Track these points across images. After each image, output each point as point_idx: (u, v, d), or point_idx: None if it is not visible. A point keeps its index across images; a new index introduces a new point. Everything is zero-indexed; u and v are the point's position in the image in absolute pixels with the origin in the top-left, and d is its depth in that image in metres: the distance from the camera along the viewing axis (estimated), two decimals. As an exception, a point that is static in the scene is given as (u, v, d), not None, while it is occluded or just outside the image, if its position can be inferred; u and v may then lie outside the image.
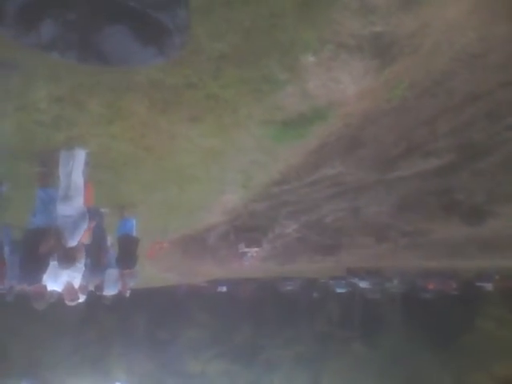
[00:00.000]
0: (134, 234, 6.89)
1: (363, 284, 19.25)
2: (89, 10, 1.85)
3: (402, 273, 19.47)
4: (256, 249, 12.49)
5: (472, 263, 15.87)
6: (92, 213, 5.52)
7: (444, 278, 18.97)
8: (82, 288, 5.94)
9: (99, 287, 7.09)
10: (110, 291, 7.11)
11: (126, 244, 6.73)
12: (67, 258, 4.63)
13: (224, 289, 22.74)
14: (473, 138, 7.12)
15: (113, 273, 6.87)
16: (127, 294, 7.39)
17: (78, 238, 4.71)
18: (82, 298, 6.18)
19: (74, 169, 4.85)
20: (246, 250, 12.44)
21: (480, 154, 7.56)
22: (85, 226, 4.80)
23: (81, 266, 4.91)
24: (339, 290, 21.29)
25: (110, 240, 7.07)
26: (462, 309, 20.48)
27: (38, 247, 4.76)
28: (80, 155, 4.90)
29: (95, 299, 7.10)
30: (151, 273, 13.72)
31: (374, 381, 21.69)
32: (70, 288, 4.94)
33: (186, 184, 6.53)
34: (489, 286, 19.43)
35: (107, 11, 1.84)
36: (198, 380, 27.32)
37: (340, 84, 3.92)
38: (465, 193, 8.89)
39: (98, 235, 6.51)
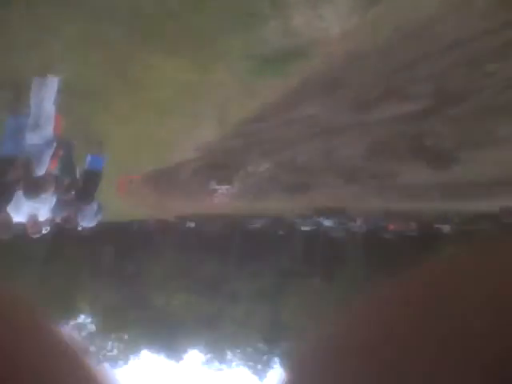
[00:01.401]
0: (101, 170, 6.76)
1: (328, 223, 19.81)
2: None
3: (365, 213, 20.10)
4: (227, 186, 12.56)
5: (433, 206, 16.52)
6: (61, 143, 5.39)
7: (405, 220, 19.74)
8: (48, 220, 5.88)
9: (69, 220, 7.04)
10: (87, 223, 7.09)
11: (88, 178, 6.61)
12: (33, 188, 4.52)
13: (192, 225, 23.00)
14: (450, 84, 7.18)
15: (92, 206, 6.82)
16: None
17: (44, 167, 4.58)
18: (45, 230, 6.12)
19: (46, 96, 4.66)
20: (217, 187, 12.48)
21: (455, 100, 7.66)
22: (50, 153, 4.66)
23: (46, 197, 4.79)
24: (304, 228, 21.89)
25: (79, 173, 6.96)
26: (419, 248, 21.46)
27: (5, 175, 4.64)
28: (53, 82, 4.70)
29: (63, 232, 7.08)
30: (121, 207, 13.69)
31: (330, 315, 22.78)
32: (34, 220, 4.84)
33: (161, 118, 6.41)
34: (446, 228, 20.29)
35: None
36: (161, 312, 28.11)
37: (324, 22, 3.83)
38: (435, 138, 9.09)
39: (68, 167, 6.39)
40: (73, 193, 6.66)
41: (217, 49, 4.32)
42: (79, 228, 7.29)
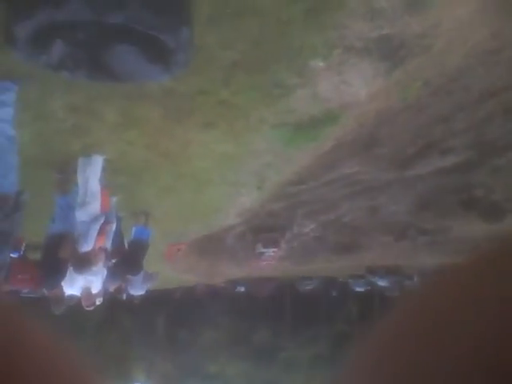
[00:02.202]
0: (147, 240, 6.95)
1: (382, 282, 19.03)
2: (96, 31, 1.90)
3: (421, 270, 19.28)
4: (274, 249, 12.48)
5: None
6: (109, 217, 5.62)
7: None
8: (103, 291, 6.05)
9: (120, 290, 7.20)
10: (136, 291, 7.24)
11: (135, 249, 6.79)
12: (81, 263, 4.72)
13: (242, 289, 22.77)
14: (490, 134, 7.05)
15: (140, 275, 6.98)
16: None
17: (91, 243, 4.78)
18: (98, 302, 6.30)
19: (91, 175, 4.95)
20: (264, 250, 12.44)
21: (498, 150, 7.48)
22: (96, 229, 4.87)
23: (97, 270, 4.98)
24: (358, 289, 21.14)
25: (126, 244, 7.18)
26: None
27: (56, 253, 4.86)
28: (97, 161, 5.00)
29: (115, 301, 7.22)
30: (169, 274, 13.84)
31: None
32: (87, 293, 5.03)
33: (201, 188, 6.60)
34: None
35: (115, 31, 1.89)
36: (217, 380, 27.45)
37: (351, 86, 3.92)
38: (483, 190, 8.79)
39: (117, 239, 6.63)
40: (121, 263, 6.86)
41: (249, 120, 4.48)
42: (128, 297, 7.44)
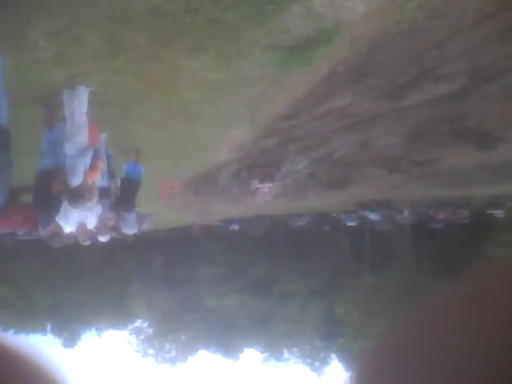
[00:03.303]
0: (139, 177, 6.88)
1: (373, 216, 19.36)
2: None
3: (412, 204, 19.55)
4: (269, 184, 12.51)
5: (483, 191, 15.83)
6: (99, 152, 5.51)
7: (455, 207, 18.98)
8: (103, 227, 6.04)
9: (116, 228, 7.22)
10: (129, 230, 7.26)
11: (128, 186, 6.74)
12: (75, 197, 4.65)
13: (236, 227, 23.12)
14: (484, 60, 6.87)
15: (133, 213, 6.98)
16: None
17: (80, 176, 4.69)
18: (106, 238, 6.30)
19: (77, 107, 4.78)
20: (260, 185, 12.45)
21: (491, 77, 7.32)
22: (85, 162, 4.77)
23: (92, 205, 4.93)
24: (350, 224, 21.54)
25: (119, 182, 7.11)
26: (472, 237, 20.66)
27: (48, 188, 4.78)
28: (82, 93, 4.81)
29: (113, 240, 7.27)
30: (165, 214, 13.92)
31: (383, 309, 22.39)
32: (82, 228, 5.01)
33: (193, 121, 6.44)
34: (500, 213, 19.44)
35: None
36: (215, 313, 28.47)
37: (347, 1, 3.72)
38: (476, 118, 8.71)
39: (109, 176, 6.57)
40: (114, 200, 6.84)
41: (241, 43, 4.28)
42: (122, 235, 7.48)
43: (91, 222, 5.32)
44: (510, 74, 7.18)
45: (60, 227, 5.08)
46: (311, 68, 5.12)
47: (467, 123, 8.78)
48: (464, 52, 6.70)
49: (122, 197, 6.75)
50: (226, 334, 28.81)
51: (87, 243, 5.52)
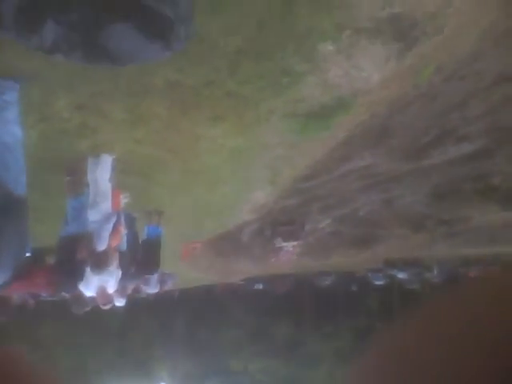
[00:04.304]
0: (159, 238, 6.92)
1: (402, 275, 18.81)
2: (90, 9, 1.81)
3: (441, 262, 18.99)
4: (294, 242, 12.38)
5: (513, 248, 15.35)
6: (122, 217, 5.58)
7: (485, 265, 18.35)
8: (121, 291, 6.03)
9: (137, 290, 7.20)
10: (151, 290, 7.24)
11: (149, 248, 6.77)
12: (98, 263, 4.69)
13: (260, 286, 22.72)
14: (505, 120, 6.84)
15: (155, 274, 6.98)
16: (172, 296, 7.59)
17: (105, 242, 4.74)
18: (122, 302, 6.28)
19: (101, 175, 4.91)
20: (284, 244, 12.33)
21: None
22: (109, 228, 4.83)
23: (113, 269, 4.95)
24: (377, 283, 20.93)
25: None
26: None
27: (72, 254, 4.84)
28: (106, 161, 4.95)
29: (135, 303, 7.22)
30: (187, 274, 13.83)
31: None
32: (102, 292, 5.01)
33: (213, 184, 6.51)
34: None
35: (110, 9, 1.80)
36: (240, 377, 27.52)
37: (362, 71, 3.78)
38: (500, 177, 8.57)
39: (132, 240, 6.60)
40: (137, 263, 6.84)
41: (258, 111, 4.37)
42: (144, 295, 7.44)
43: (111, 286, 5.31)
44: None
45: (82, 293, 5.09)
46: (329, 133, 5.17)
47: (491, 182, 8.65)
48: (484, 113, 6.70)
49: (144, 259, 6.76)
50: (250, 400, 27.70)
51: (108, 307, 5.49)
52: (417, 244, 13.19)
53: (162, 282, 7.26)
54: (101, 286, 5.03)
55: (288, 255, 13.11)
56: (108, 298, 5.28)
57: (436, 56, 4.44)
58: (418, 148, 7.49)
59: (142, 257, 6.74)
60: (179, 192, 6.64)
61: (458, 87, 5.81)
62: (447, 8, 3.64)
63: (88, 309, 5.37)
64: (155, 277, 7.00)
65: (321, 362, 26.14)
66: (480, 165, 8.19)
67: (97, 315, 6.14)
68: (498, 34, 4.60)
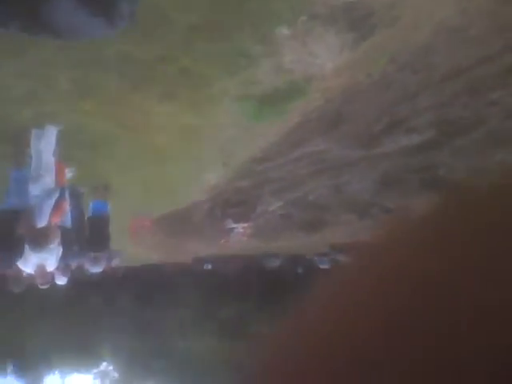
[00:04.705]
0: (107, 214, 6.74)
1: (346, 259, 19.37)
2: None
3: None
4: (244, 224, 12.44)
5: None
6: (67, 193, 5.40)
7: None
8: (63, 270, 5.86)
9: (81, 268, 7.02)
10: (95, 269, 7.07)
11: (96, 225, 6.58)
12: (37, 240, 4.50)
13: (209, 266, 22.79)
14: (454, 114, 7.09)
15: (103, 253, 6.80)
16: (117, 273, 7.41)
17: (46, 218, 4.56)
18: (63, 281, 6.11)
19: (45, 147, 4.71)
20: (234, 225, 12.37)
21: (461, 130, 7.54)
22: (51, 203, 4.65)
23: (54, 247, 4.78)
24: (323, 266, 21.45)
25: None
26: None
27: (11, 229, 4.64)
28: (51, 133, 4.75)
29: (79, 280, 7.06)
30: (135, 252, 13.64)
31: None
32: (41, 271, 4.83)
33: (164, 162, 6.41)
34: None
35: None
36: (185, 357, 27.62)
37: (317, 58, 3.80)
38: (446, 169, 8.91)
39: (77, 216, 6.39)
40: (82, 241, 6.66)
41: (212, 91, 4.32)
42: (87, 274, 7.28)
43: (51, 265, 5.14)
44: (479, 128, 7.41)
45: (21, 271, 4.90)
46: (283, 117, 5.19)
47: (437, 174, 8.97)
48: (434, 106, 6.91)
49: (92, 236, 6.59)
50: (195, 379, 27.89)
51: (46, 287, 5.33)
52: (362, 230, 13.59)
53: (108, 259, 7.10)
54: (40, 264, 4.85)
55: (238, 237, 13.17)
56: (47, 278, 5.11)
57: (390, 47, 4.52)
58: (369, 136, 7.65)
59: (89, 234, 6.55)
60: (129, 168, 6.50)
61: (410, 78, 5.96)
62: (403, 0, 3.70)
63: (25, 287, 5.19)
64: (100, 255, 6.83)
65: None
66: (427, 156, 8.47)
67: (37, 291, 5.96)
68: (452, 29, 4.73)
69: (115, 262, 7.60)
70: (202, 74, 3.84)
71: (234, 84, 4.16)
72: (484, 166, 8.38)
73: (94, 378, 32.45)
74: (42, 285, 5.03)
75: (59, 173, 5.05)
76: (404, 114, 7.23)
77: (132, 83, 3.96)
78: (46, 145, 4.66)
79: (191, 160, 6.44)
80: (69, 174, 5.99)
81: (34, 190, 4.71)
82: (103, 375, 31.75)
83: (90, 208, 6.66)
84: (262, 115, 4.72)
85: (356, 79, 5.17)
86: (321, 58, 3.86)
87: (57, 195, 4.86)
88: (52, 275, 5.20)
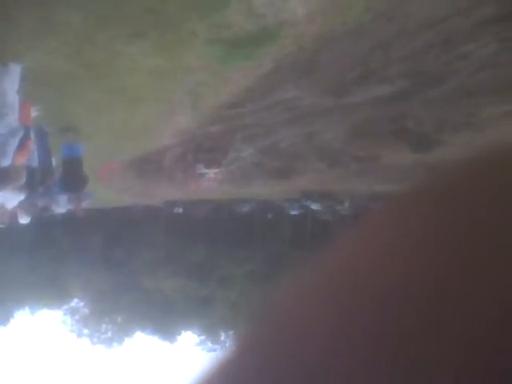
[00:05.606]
0: (80, 157, 6.65)
1: (315, 206, 19.76)
2: None
3: (352, 196, 20.09)
4: (215, 170, 12.43)
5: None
6: (32, 132, 5.28)
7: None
8: (27, 209, 5.83)
9: (46, 208, 6.98)
10: (59, 209, 7.04)
11: (69, 167, 6.50)
12: (1, 178, 4.44)
13: (180, 210, 22.91)
14: (426, 65, 7.11)
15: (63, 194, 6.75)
16: (81, 214, 7.38)
17: (9, 157, 4.48)
18: (26, 220, 6.09)
19: (8, 84, 4.54)
20: (205, 171, 12.35)
21: (432, 82, 7.59)
22: (15, 143, 4.56)
23: (17, 187, 4.72)
24: (293, 212, 21.86)
25: (55, 162, 6.84)
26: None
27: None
28: (14, 70, 4.57)
29: (49, 220, 7.04)
30: (106, 194, 13.56)
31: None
32: (1, 210, 4.80)
33: (133, 104, 6.28)
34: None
35: None
36: (153, 296, 28.22)
37: (287, 2, 3.72)
38: (415, 121, 9.03)
39: (42, 156, 6.27)
40: (50, 182, 6.58)
41: (181, 32, 4.20)
42: (52, 214, 7.24)
43: (11, 204, 5.09)
44: (449, 81, 7.48)
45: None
46: (255, 63, 5.11)
47: (406, 125, 9.09)
48: (406, 56, 6.90)
49: (67, 177, 6.50)
50: (163, 317, 28.67)
51: (3, 226, 5.32)
52: (332, 178, 13.82)
53: (78, 200, 7.06)
54: (0, 203, 4.82)
55: (209, 182, 13.20)
56: (5, 217, 5.08)
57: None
58: (341, 84, 7.63)
59: (64, 176, 6.47)
60: (97, 110, 6.35)
61: (385, 28, 5.91)
62: None
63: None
64: (66, 196, 6.79)
65: (233, 283, 27.37)
66: (398, 107, 8.54)
67: (6, 229, 5.94)
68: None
69: (85, 204, 7.57)
70: (170, 14, 3.72)
71: (204, 27, 4.05)
72: (453, 118, 8.54)
73: (64, 314, 33.06)
74: (0, 224, 5.01)
75: (24, 111, 4.91)
76: (377, 64, 7.20)
77: (97, 22, 3.81)
78: (9, 83, 4.49)
79: (160, 102, 6.32)
80: (34, 113, 5.83)
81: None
82: (73, 311, 32.33)
83: (61, 150, 6.54)
84: (232, 59, 4.64)
85: (330, 26, 5.09)
86: (292, 2, 3.78)
87: (21, 134, 4.75)
88: (14, 214, 5.18)
